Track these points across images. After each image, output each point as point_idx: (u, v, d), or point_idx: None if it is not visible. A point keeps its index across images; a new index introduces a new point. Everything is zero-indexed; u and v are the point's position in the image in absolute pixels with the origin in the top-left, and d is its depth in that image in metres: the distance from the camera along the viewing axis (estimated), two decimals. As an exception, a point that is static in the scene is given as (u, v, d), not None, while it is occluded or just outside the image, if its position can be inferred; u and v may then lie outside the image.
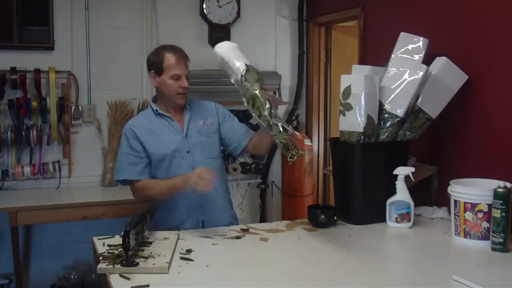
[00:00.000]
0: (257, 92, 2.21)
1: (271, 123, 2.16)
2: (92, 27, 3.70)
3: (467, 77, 2.50)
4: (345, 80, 2.40)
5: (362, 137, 2.37)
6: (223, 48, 2.38)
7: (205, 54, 3.93)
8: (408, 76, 2.43)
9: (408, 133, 2.50)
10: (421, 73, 2.41)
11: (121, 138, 2.56)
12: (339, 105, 2.41)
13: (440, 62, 2.49)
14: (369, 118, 2.35)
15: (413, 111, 2.49)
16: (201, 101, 2.65)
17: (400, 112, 2.43)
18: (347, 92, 2.36)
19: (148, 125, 2.49)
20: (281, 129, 2.13)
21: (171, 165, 2.44)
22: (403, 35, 2.61)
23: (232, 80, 2.33)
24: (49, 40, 3.58)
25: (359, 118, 2.35)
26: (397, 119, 2.44)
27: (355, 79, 2.39)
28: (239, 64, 2.28)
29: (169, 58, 2.44)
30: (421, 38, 2.56)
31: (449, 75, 2.49)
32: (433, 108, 2.49)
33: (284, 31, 4.26)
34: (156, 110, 2.51)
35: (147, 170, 2.45)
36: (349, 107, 2.36)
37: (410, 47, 2.57)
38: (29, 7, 3.49)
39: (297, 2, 4.23)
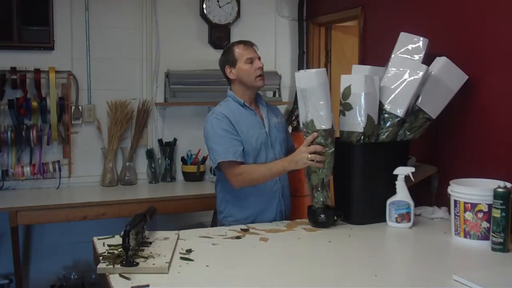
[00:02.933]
0: (331, 152, 2.29)
1: (319, 188, 2.32)
2: (92, 27, 3.70)
3: (467, 77, 2.50)
4: (345, 80, 2.39)
5: (362, 137, 2.37)
6: (316, 81, 2.25)
7: (205, 54, 3.98)
8: (408, 76, 2.43)
9: (408, 133, 2.50)
10: (421, 73, 2.41)
11: (206, 125, 2.51)
12: (339, 105, 2.41)
13: (440, 62, 2.49)
14: (369, 118, 2.35)
15: (413, 111, 2.49)
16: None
17: (400, 112, 2.43)
18: (347, 92, 2.36)
19: (236, 116, 2.50)
20: (321, 198, 2.32)
21: (258, 158, 2.50)
22: (403, 35, 2.61)
23: (299, 111, 2.36)
24: (49, 40, 3.58)
25: (359, 118, 2.35)
26: (397, 119, 2.44)
27: (355, 79, 2.38)
28: (327, 116, 2.26)
29: (237, 47, 2.57)
30: (421, 38, 2.56)
31: (449, 75, 2.49)
32: (433, 108, 2.49)
33: (284, 31, 4.26)
34: (244, 102, 2.55)
35: (243, 154, 2.45)
36: (349, 107, 2.36)
37: (410, 47, 2.57)
38: (29, 7, 3.49)
39: (297, 2, 4.23)
